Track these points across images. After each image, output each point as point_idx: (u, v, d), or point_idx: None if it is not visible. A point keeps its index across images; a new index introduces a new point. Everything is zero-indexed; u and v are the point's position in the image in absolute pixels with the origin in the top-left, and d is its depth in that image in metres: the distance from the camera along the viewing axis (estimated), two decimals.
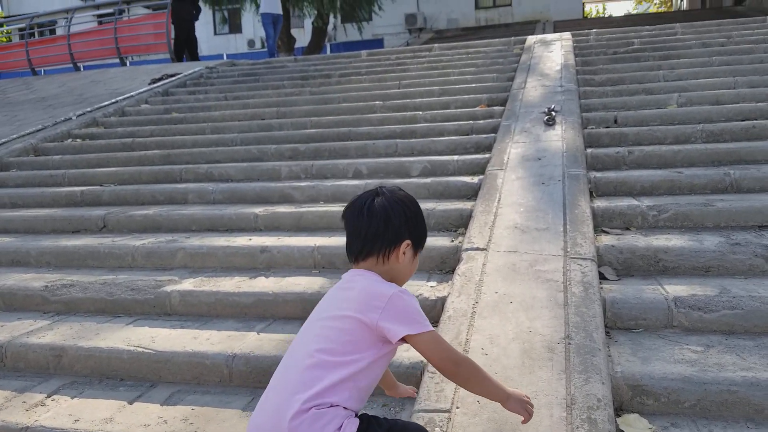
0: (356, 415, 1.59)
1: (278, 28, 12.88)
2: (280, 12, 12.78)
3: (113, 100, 8.87)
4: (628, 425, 2.19)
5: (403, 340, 1.58)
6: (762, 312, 2.71)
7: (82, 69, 13.86)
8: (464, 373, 1.64)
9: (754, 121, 5.02)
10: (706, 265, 3.20)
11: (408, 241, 1.70)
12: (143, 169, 5.91)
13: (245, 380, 2.77)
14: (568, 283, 2.86)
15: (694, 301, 2.81)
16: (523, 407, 1.70)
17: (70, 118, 8.09)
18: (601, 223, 3.76)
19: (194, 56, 12.88)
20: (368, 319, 1.57)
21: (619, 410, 2.29)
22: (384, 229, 1.67)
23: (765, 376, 2.29)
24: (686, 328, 2.76)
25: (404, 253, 1.70)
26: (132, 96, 9.02)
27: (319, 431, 1.49)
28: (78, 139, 7.42)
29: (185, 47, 12.89)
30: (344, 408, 1.55)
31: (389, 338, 1.57)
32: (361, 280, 1.67)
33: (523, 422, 1.75)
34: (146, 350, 2.94)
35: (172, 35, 12.88)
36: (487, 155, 4.97)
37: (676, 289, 2.95)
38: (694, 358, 2.48)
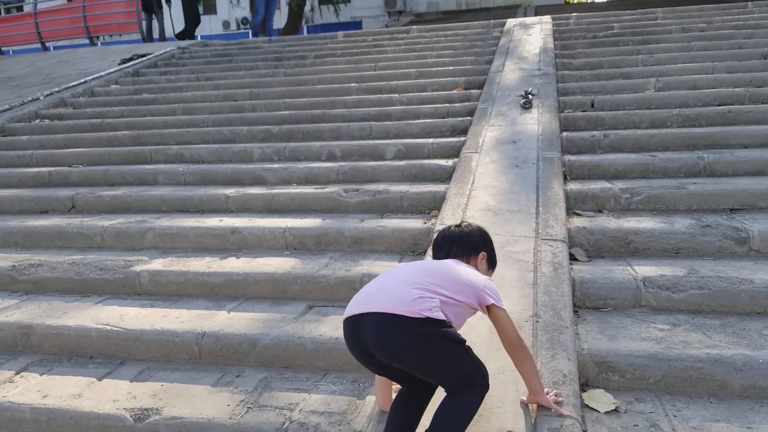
0: None
1: (272, 6, 12.51)
2: None
3: (82, 81, 8.66)
4: (593, 400, 2.22)
5: (486, 309, 1.93)
6: (729, 292, 2.75)
7: (51, 49, 13.52)
8: (524, 350, 1.94)
9: (730, 106, 5.06)
10: (676, 246, 3.24)
11: (484, 253, 2.10)
12: (113, 150, 5.80)
13: (215, 357, 2.76)
14: (538, 263, 2.87)
15: (663, 281, 2.84)
16: (551, 402, 1.98)
17: (38, 99, 7.90)
18: (574, 205, 3.78)
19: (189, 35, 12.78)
20: (476, 286, 1.91)
21: (585, 386, 2.32)
22: (465, 241, 2.10)
23: (729, 353, 2.33)
24: (654, 308, 2.79)
25: (481, 263, 2.08)
26: (101, 76, 8.82)
27: (428, 305, 1.79)
28: (46, 120, 7.25)
29: (194, 26, 12.86)
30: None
31: (483, 301, 1.91)
32: (465, 264, 2.04)
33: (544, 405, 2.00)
34: (115, 328, 2.90)
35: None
36: (462, 138, 4.96)
37: (645, 269, 2.98)
38: (660, 336, 2.51)
